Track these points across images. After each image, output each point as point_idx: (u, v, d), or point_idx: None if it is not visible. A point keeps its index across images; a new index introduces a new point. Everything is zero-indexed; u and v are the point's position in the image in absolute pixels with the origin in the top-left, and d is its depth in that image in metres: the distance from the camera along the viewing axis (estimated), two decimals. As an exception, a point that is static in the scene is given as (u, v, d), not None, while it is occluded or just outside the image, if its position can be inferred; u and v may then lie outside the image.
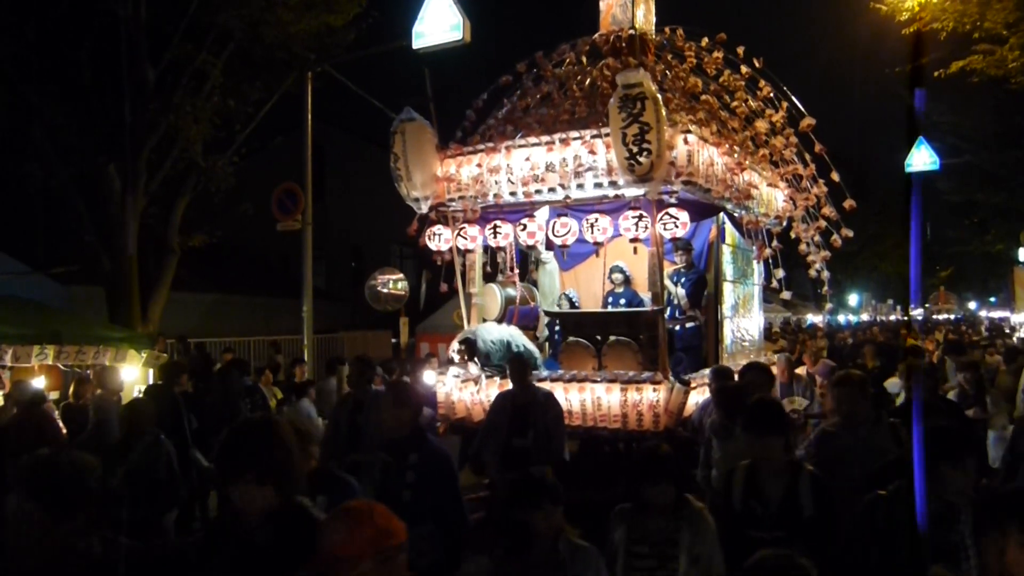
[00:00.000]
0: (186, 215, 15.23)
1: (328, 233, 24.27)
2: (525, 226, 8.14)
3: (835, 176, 9.07)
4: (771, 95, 8.90)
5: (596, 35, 9.24)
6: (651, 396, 7.45)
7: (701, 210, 8.42)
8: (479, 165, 8.20)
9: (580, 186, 7.81)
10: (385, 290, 14.04)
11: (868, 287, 43.03)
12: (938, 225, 31.59)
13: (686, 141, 7.41)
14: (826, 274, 9.38)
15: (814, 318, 29.87)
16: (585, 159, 7.71)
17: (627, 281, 9.64)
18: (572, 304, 9.71)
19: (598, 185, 7.71)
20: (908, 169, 14.60)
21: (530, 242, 8.19)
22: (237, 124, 14.88)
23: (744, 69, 8.86)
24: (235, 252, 25.08)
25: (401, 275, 14.33)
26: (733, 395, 5.91)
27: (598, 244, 8.02)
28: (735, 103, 8.83)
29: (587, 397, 7.75)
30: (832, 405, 6.15)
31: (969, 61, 13.16)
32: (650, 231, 7.59)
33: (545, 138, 8.00)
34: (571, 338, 8.19)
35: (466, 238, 8.46)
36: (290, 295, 17.66)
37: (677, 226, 7.49)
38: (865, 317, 38.24)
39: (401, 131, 8.34)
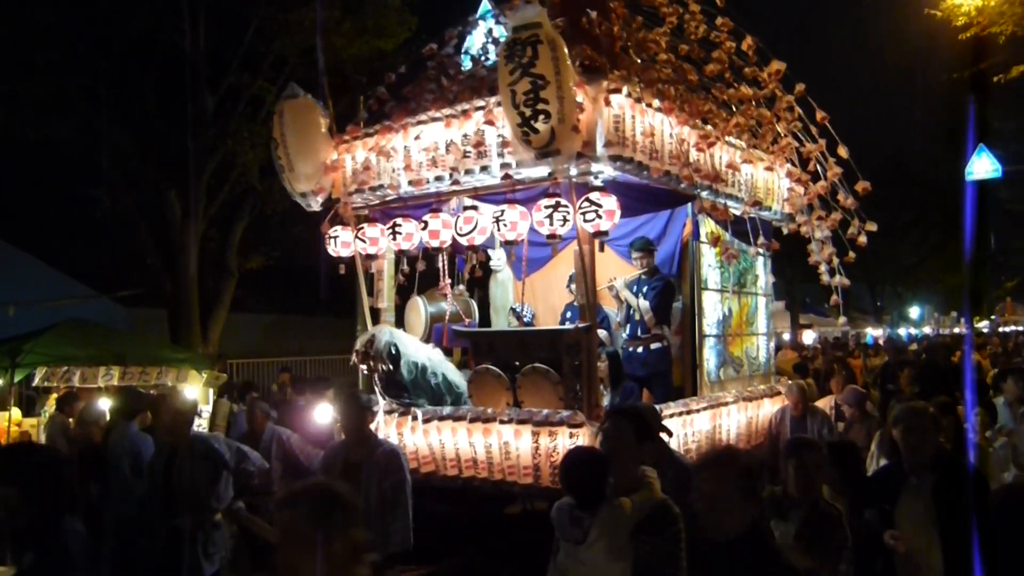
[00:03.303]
0: (244, 238, 15.26)
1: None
2: (426, 224, 6.13)
3: (843, 151, 6.67)
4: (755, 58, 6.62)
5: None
6: (566, 443, 5.29)
7: (654, 198, 6.21)
8: (371, 149, 6.25)
9: (485, 169, 5.75)
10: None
11: (931, 299, 38.98)
12: (1002, 235, 28.26)
13: (607, 102, 5.25)
14: (839, 279, 6.95)
15: (874, 332, 26.34)
16: (489, 136, 5.66)
17: (589, 292, 7.46)
18: (520, 320, 7.60)
19: (506, 166, 5.62)
20: (969, 177, 12.16)
21: (433, 243, 6.16)
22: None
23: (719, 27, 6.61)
24: (291, 273, 24.30)
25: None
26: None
27: (552, 242, 5.94)
28: (711, 66, 6.57)
29: (494, 442, 5.66)
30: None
31: (1030, 65, 11.65)
32: (572, 225, 5.46)
33: (446, 111, 5.98)
34: (481, 365, 6.09)
35: (365, 241, 6.49)
36: (346, 314, 16.78)
37: (600, 216, 5.33)
38: (927, 330, 34.16)
39: (280, 111, 6.48)
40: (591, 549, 3.24)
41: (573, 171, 5.48)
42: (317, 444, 6.56)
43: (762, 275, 8.02)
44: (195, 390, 10.90)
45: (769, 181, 7.36)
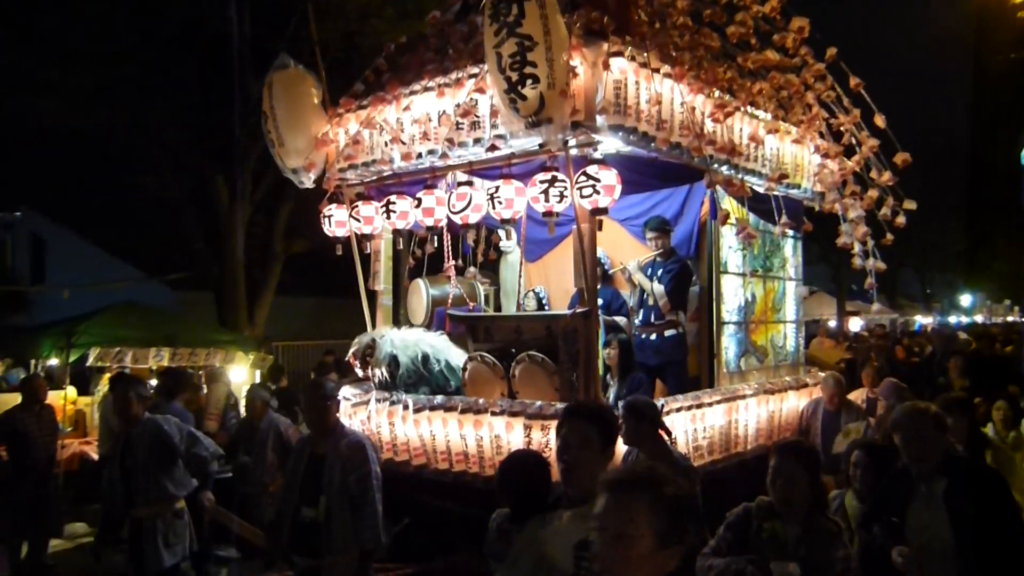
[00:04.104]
0: (289, 222, 15.07)
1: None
2: (420, 201, 5.66)
3: (880, 121, 5.98)
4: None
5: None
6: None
7: (665, 173, 5.64)
8: (363, 122, 5.79)
9: (479, 142, 5.25)
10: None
11: (983, 287, 36.87)
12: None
13: (606, 66, 4.69)
14: (873, 262, 6.28)
15: (923, 320, 24.92)
16: (482, 105, 5.16)
17: (604, 276, 6.92)
18: (540, 304, 7.09)
19: (499, 138, 5.11)
20: None
21: (428, 221, 5.69)
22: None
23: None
24: (335, 256, 24.26)
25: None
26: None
27: (548, 220, 5.41)
28: (733, 28, 5.94)
29: (485, 435, 5.18)
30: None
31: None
32: (570, 201, 4.94)
33: (439, 79, 5.49)
34: (475, 352, 5.60)
35: (360, 220, 6.06)
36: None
37: (598, 192, 4.79)
38: (979, 319, 32.29)
39: (269, 83, 6.06)
40: (512, 568, 2.75)
41: (572, 143, 4.95)
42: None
43: (791, 258, 7.36)
44: (242, 371, 11.17)
45: (798, 156, 6.70)
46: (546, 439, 4.85)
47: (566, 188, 4.89)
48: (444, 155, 5.34)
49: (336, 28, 13.35)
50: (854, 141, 6.33)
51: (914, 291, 26.11)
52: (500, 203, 5.14)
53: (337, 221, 6.19)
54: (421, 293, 6.75)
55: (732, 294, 6.44)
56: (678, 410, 5.31)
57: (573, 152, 5.01)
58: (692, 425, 5.43)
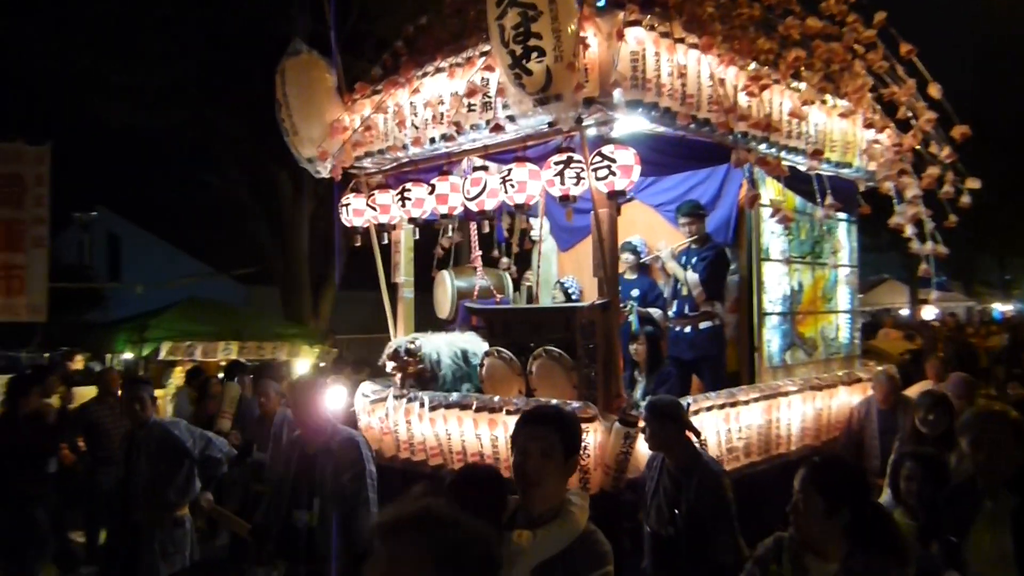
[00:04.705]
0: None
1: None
2: (434, 188, 5.33)
3: (935, 91, 5.37)
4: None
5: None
6: (575, 440, 4.40)
7: (694, 152, 5.17)
8: (375, 107, 5.49)
9: (491, 124, 4.87)
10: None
11: None
12: None
13: (620, 36, 4.26)
14: (932, 246, 5.65)
15: (1002, 307, 23.18)
16: (493, 84, 4.78)
17: (641, 265, 6.46)
18: (569, 297, 6.68)
19: (509, 119, 4.73)
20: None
21: (442, 209, 5.36)
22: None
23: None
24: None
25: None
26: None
27: (565, 205, 5.09)
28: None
29: (500, 435, 4.82)
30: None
31: None
32: (587, 184, 4.53)
33: (451, 59, 5.14)
34: (492, 347, 5.24)
35: (376, 208, 5.76)
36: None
37: (614, 173, 4.37)
38: None
39: (281, 70, 5.81)
40: None
41: (590, 121, 4.53)
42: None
43: (845, 243, 6.77)
44: (307, 364, 11.30)
45: (848, 132, 6.12)
46: (561, 440, 4.47)
47: (583, 170, 4.48)
48: (450, 138, 4.98)
49: (397, 24, 13.31)
50: (910, 115, 5.72)
51: (992, 277, 24.33)
52: (512, 187, 4.75)
53: (355, 210, 5.91)
54: (446, 285, 6.43)
55: (775, 283, 5.92)
56: (709, 409, 4.84)
57: (592, 132, 4.60)
58: (725, 425, 4.95)
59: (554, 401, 4.59)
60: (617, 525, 4.27)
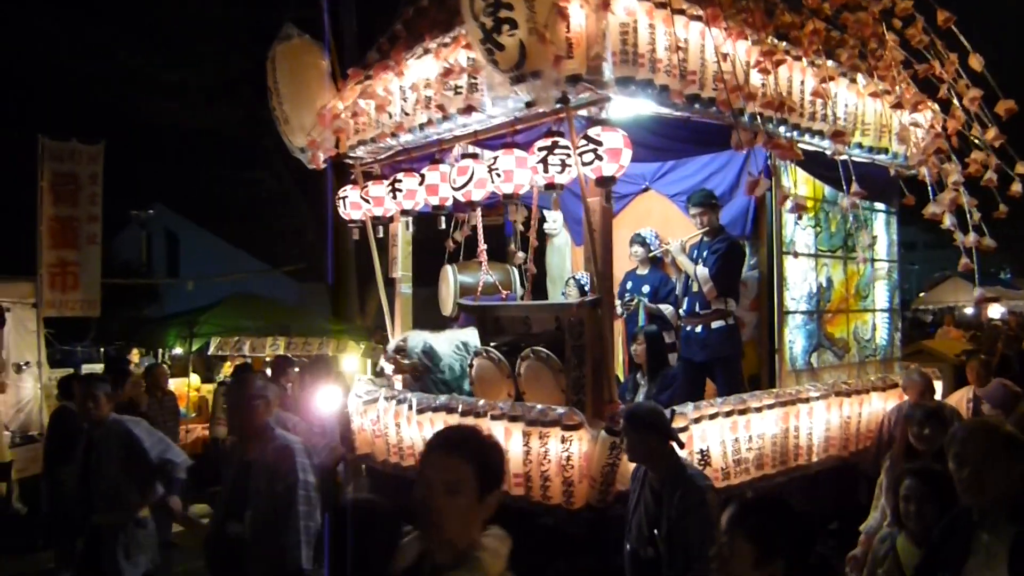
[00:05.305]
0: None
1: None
2: (423, 178, 4.99)
3: (976, 62, 4.78)
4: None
5: None
6: (557, 449, 4.00)
7: (700, 136, 4.69)
8: (361, 93, 5.16)
9: (474, 108, 4.49)
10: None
11: None
12: None
13: (605, 6, 3.83)
14: (975, 238, 5.03)
15: None
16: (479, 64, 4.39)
17: (652, 258, 5.99)
18: (583, 292, 6.24)
19: (499, 99, 4.34)
20: None
21: (432, 200, 5.00)
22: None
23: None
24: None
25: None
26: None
27: (550, 192, 4.70)
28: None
29: (485, 441, 4.43)
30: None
31: None
32: (574, 171, 4.11)
33: (438, 39, 4.77)
34: (482, 347, 4.86)
35: (369, 200, 5.44)
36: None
37: (600, 157, 3.94)
38: None
39: (272, 56, 5.53)
40: None
41: (581, 99, 4.12)
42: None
43: (883, 236, 6.17)
44: (353, 360, 11.15)
45: (884, 114, 5.54)
46: (544, 449, 4.07)
47: (569, 156, 4.07)
48: (429, 123, 4.62)
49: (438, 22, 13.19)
50: (953, 94, 5.13)
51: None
52: (499, 176, 4.37)
53: (352, 203, 5.61)
54: (449, 281, 6.08)
55: (800, 278, 5.40)
56: (713, 416, 4.37)
57: (583, 113, 4.19)
58: (732, 434, 4.46)
59: (537, 407, 4.20)
60: (605, 543, 3.87)
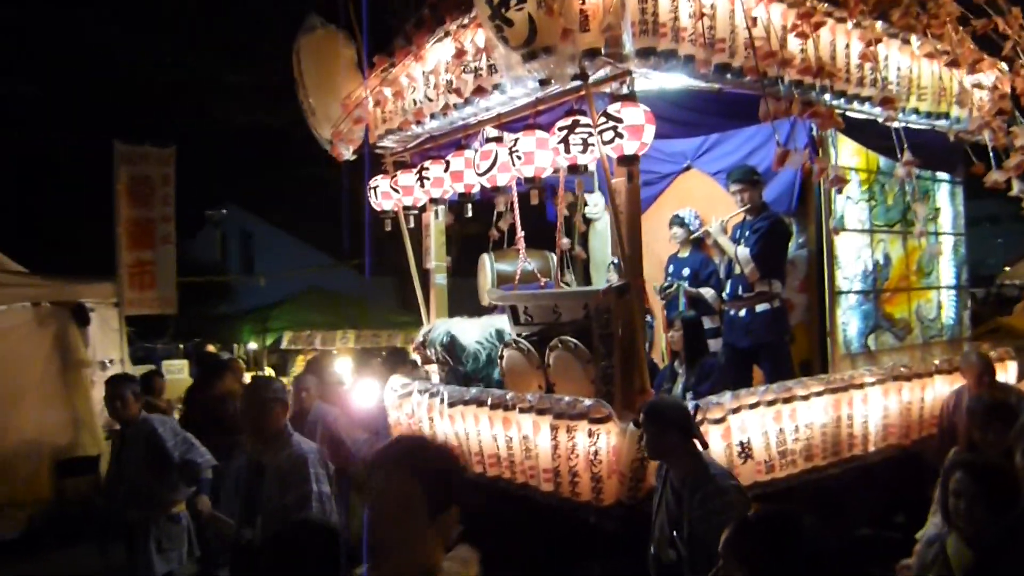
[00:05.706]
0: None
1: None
2: (448, 164, 4.83)
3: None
4: None
5: None
6: (585, 443, 3.79)
7: (732, 109, 4.38)
8: (382, 80, 5.03)
9: (497, 87, 4.30)
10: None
11: None
12: None
13: (617, -28, 3.58)
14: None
15: None
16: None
17: (693, 240, 5.69)
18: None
19: (518, 80, 4.13)
20: None
21: (458, 187, 4.84)
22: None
23: None
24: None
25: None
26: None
27: (575, 175, 4.52)
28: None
29: (514, 436, 4.27)
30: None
31: None
32: (597, 150, 3.89)
33: (458, 21, 4.59)
34: (512, 338, 4.67)
35: (398, 190, 5.32)
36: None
37: (621, 134, 3.70)
38: None
39: (297, 48, 5.45)
40: None
41: (601, 74, 3.88)
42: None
43: (947, 207, 5.72)
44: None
45: (943, 77, 5.10)
46: (571, 443, 3.87)
47: (591, 135, 3.84)
48: (449, 107, 4.45)
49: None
50: (1018, 51, 4.69)
51: None
52: (519, 158, 4.18)
53: (383, 193, 5.50)
54: (487, 269, 5.92)
55: (853, 256, 5.03)
56: (754, 406, 4.08)
57: (606, 90, 3.95)
58: (776, 425, 4.17)
59: (565, 398, 4.00)
60: (636, 541, 3.65)
